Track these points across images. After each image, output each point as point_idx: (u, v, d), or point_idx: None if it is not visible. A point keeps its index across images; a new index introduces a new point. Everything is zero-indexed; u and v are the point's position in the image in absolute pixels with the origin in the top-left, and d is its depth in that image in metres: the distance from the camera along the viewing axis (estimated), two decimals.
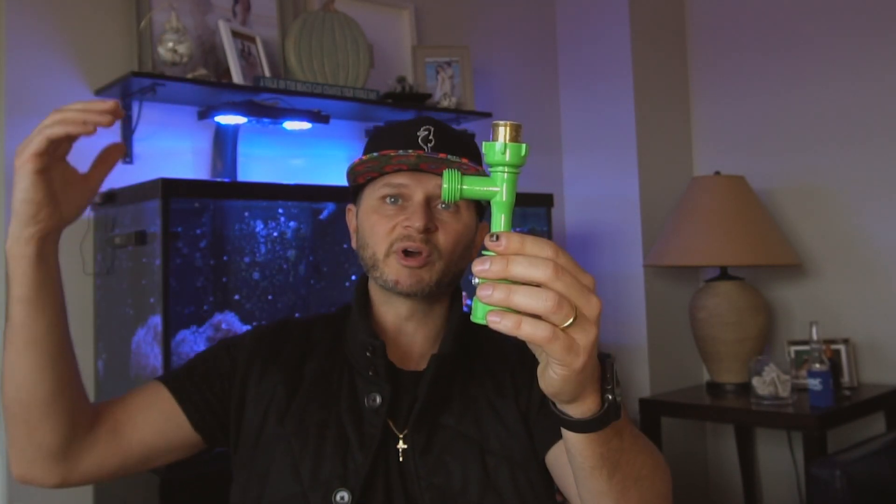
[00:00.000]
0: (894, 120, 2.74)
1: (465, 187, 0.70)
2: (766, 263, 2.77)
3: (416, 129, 1.06)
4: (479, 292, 0.64)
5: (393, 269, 1.03)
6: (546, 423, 1.03)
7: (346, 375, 1.06)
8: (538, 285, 0.63)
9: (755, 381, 2.56)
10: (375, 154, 1.01)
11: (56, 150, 0.88)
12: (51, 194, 0.91)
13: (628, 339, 3.02)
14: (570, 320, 0.64)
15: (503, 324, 0.62)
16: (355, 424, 1.02)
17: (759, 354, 2.75)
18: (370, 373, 1.03)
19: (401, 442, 1.02)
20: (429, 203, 1.04)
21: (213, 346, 1.14)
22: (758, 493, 3.03)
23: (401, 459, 1.01)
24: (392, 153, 1.00)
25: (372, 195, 1.07)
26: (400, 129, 1.08)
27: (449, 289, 1.09)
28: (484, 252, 0.65)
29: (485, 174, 1.00)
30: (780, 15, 3.02)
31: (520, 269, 0.63)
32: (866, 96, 2.80)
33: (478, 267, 0.64)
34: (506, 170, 0.69)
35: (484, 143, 0.70)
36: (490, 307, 0.64)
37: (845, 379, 2.69)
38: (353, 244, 1.12)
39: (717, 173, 2.91)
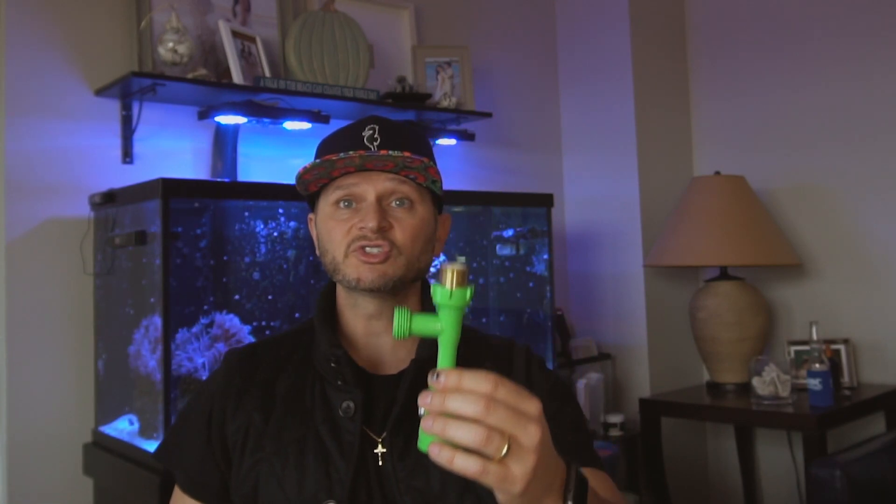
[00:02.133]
0: (894, 120, 2.75)
1: (413, 326, 0.79)
2: (766, 263, 2.77)
3: (362, 129, 1.06)
4: (423, 424, 0.70)
5: (353, 268, 1.03)
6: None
7: (318, 386, 1.06)
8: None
9: (755, 381, 2.56)
10: (318, 161, 1.01)
11: None
12: None
13: (628, 339, 3.02)
14: (504, 451, 0.68)
15: (441, 456, 0.69)
16: (332, 434, 1.02)
17: (759, 354, 2.75)
18: (339, 382, 1.04)
19: (379, 446, 1.02)
20: (381, 202, 1.04)
21: (193, 406, 1.12)
22: (758, 493, 3.03)
23: (380, 463, 1.02)
24: (334, 157, 1.00)
25: (326, 202, 1.07)
26: (346, 131, 1.09)
27: (413, 284, 1.09)
28: (430, 386, 0.71)
29: (434, 167, 1.02)
30: (779, 15, 3.02)
31: (455, 404, 0.69)
32: (866, 96, 2.80)
33: (422, 400, 0.70)
34: (451, 310, 0.77)
35: (433, 283, 0.77)
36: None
37: (845, 379, 2.69)
38: (317, 252, 1.12)
39: (717, 173, 2.91)
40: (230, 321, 2.02)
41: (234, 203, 2.14)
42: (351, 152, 1.00)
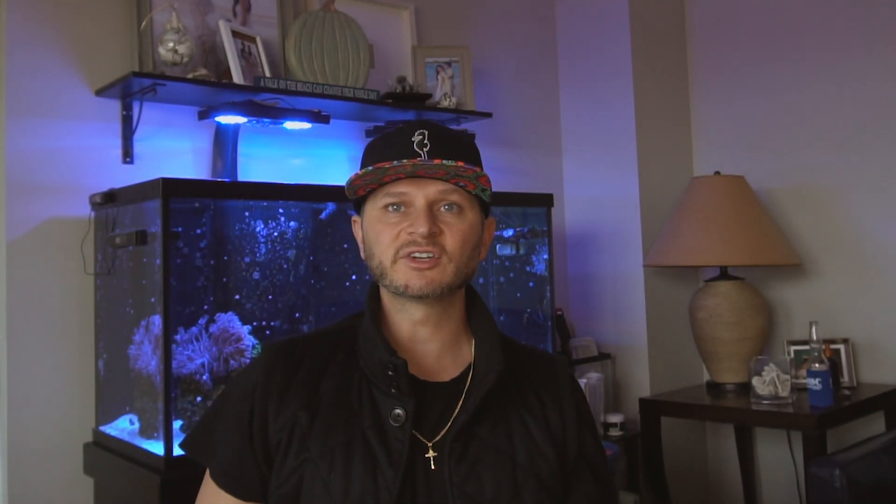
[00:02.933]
0: (894, 120, 2.75)
1: None
2: (766, 263, 2.77)
3: (411, 135, 1.05)
4: None
5: (401, 274, 1.03)
6: (578, 497, 1.08)
7: (365, 390, 1.05)
8: None
9: (755, 381, 2.56)
10: (371, 168, 1.02)
11: None
12: None
13: (628, 339, 3.02)
14: None
15: None
16: (381, 440, 1.02)
17: (759, 354, 2.75)
18: (393, 390, 1.03)
19: (430, 451, 1.02)
20: (431, 207, 1.04)
21: (229, 399, 1.10)
22: (757, 493, 3.04)
23: (433, 467, 1.02)
24: (387, 165, 1.00)
25: (374, 205, 1.07)
26: (394, 136, 1.08)
27: (460, 291, 1.09)
28: None
29: (485, 176, 1.02)
30: (779, 15, 3.02)
31: None
32: (866, 96, 2.80)
33: None
34: None
35: None
36: None
37: (845, 379, 2.69)
38: (362, 255, 1.11)
39: (717, 173, 2.91)
40: (231, 321, 2.02)
41: (234, 203, 2.14)
42: (405, 160, 1.00)
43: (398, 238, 1.03)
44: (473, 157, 1.09)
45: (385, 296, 1.11)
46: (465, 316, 1.13)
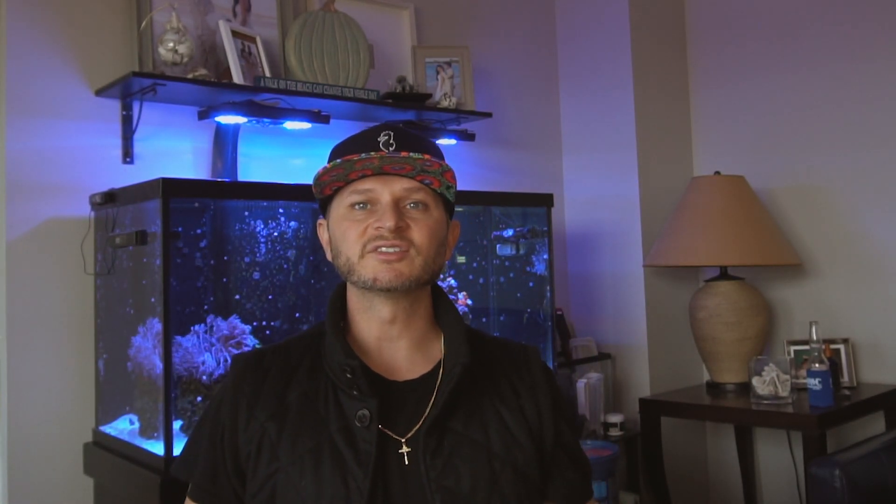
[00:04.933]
0: (894, 120, 2.75)
1: None
2: (766, 263, 2.77)
3: (377, 135, 1.07)
4: None
5: (369, 268, 1.04)
6: (558, 485, 1.11)
7: (332, 395, 1.06)
8: None
9: (755, 381, 2.56)
10: (339, 161, 1.02)
11: None
12: None
13: (628, 339, 3.02)
14: None
15: None
16: (348, 442, 1.02)
17: (759, 354, 2.75)
18: (354, 392, 1.04)
19: (403, 446, 1.03)
20: (397, 203, 1.05)
21: (206, 418, 1.13)
22: (757, 493, 3.04)
23: (407, 463, 1.02)
24: (355, 157, 1.01)
25: (340, 204, 1.08)
26: (360, 137, 1.10)
27: (425, 288, 1.10)
28: None
29: (451, 171, 1.05)
30: (780, 15, 3.02)
31: None
32: (867, 97, 2.80)
33: None
34: None
35: None
36: None
37: (845, 379, 2.70)
38: (328, 256, 1.12)
39: (717, 173, 2.91)
40: (230, 321, 2.02)
41: (234, 203, 2.14)
42: (372, 153, 1.02)
43: (365, 233, 1.04)
44: (438, 155, 1.10)
45: (353, 296, 1.11)
46: (433, 313, 1.14)
